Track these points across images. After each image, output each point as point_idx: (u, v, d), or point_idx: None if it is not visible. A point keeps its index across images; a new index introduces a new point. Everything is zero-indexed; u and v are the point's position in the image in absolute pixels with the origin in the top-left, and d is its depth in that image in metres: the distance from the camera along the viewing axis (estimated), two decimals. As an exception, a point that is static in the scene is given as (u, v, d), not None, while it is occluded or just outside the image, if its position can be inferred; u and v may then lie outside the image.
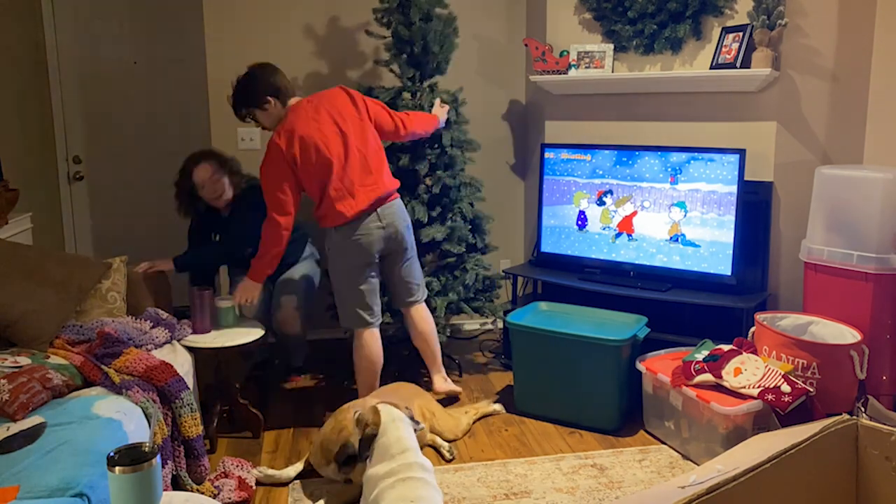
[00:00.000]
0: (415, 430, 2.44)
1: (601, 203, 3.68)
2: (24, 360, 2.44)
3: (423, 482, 2.22)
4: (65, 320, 2.77)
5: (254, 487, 2.62)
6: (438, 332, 3.39)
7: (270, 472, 2.69)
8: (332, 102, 3.00)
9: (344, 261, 3.00)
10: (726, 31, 3.38)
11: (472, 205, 3.62)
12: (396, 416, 2.41)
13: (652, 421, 3.09)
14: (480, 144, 3.67)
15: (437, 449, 2.93)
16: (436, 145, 3.51)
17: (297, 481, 2.70)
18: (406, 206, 3.36)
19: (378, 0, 3.53)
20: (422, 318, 3.24)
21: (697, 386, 2.79)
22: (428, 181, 3.55)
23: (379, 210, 2.97)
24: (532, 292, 4.09)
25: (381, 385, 3.16)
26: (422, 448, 2.87)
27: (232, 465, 2.67)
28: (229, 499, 2.51)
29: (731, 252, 3.33)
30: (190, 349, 2.90)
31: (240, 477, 2.60)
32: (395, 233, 3.02)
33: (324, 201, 2.93)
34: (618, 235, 3.65)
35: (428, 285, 3.44)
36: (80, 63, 4.42)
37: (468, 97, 3.70)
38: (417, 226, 3.44)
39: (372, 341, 3.07)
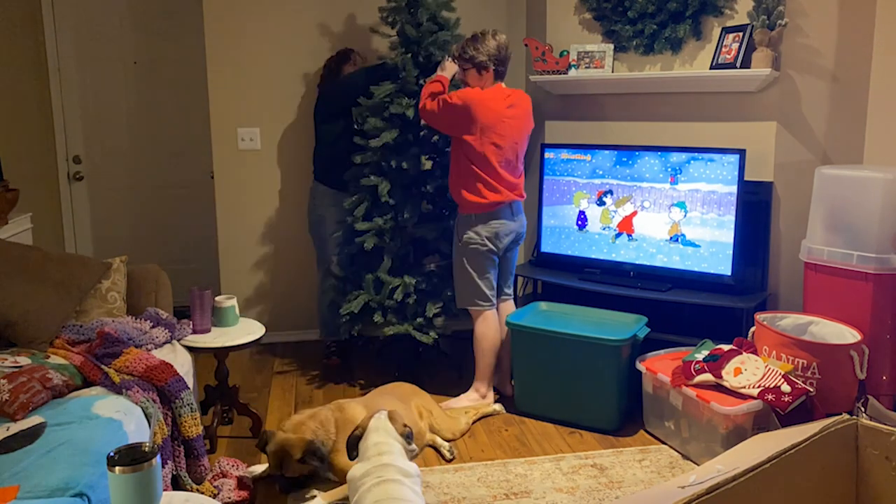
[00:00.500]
0: (407, 450, 2.41)
1: (601, 203, 3.68)
2: (24, 360, 2.44)
3: (398, 484, 2.22)
4: (65, 320, 2.77)
5: (251, 487, 2.62)
6: (425, 333, 3.42)
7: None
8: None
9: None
10: (726, 31, 3.38)
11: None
12: (382, 425, 2.41)
13: (652, 421, 3.09)
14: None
15: (437, 449, 2.93)
16: (433, 145, 3.51)
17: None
18: (404, 205, 3.36)
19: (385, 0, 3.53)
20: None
21: (697, 386, 2.79)
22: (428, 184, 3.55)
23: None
24: (532, 292, 4.09)
25: (379, 385, 3.16)
26: (422, 449, 2.88)
27: (228, 465, 2.68)
28: (229, 498, 2.51)
29: (730, 252, 3.33)
30: (190, 349, 2.90)
31: (238, 477, 2.61)
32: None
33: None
34: (618, 235, 3.65)
35: (419, 286, 3.44)
36: (80, 63, 4.42)
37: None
38: (412, 225, 3.45)
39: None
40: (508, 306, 3.48)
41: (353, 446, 2.40)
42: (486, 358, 3.32)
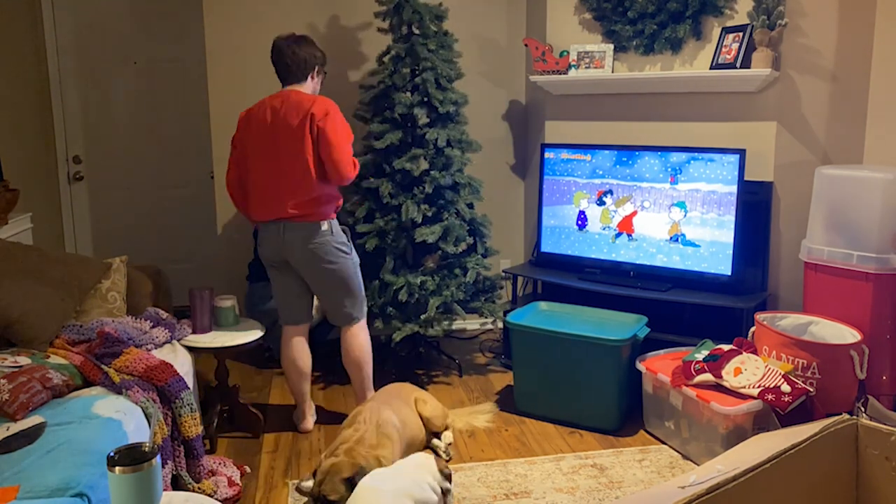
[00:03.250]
0: (442, 488, 2.37)
1: (601, 203, 3.68)
2: (24, 360, 2.44)
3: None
4: (65, 320, 2.77)
5: (240, 484, 2.65)
6: (431, 329, 3.40)
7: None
8: None
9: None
10: (726, 31, 3.38)
11: (471, 206, 3.62)
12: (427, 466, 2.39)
13: (652, 421, 3.09)
14: (480, 145, 3.67)
15: (434, 450, 2.93)
16: (431, 146, 3.51)
17: (297, 481, 2.70)
18: (401, 205, 3.36)
19: (377, 3, 3.53)
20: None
21: (697, 386, 2.79)
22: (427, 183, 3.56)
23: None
24: (532, 292, 4.09)
25: (381, 386, 3.16)
26: (420, 449, 2.87)
27: (216, 463, 2.69)
28: (226, 495, 2.53)
29: (730, 252, 3.33)
30: (190, 349, 2.90)
31: (229, 476, 2.64)
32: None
33: None
34: (618, 235, 3.65)
35: (422, 285, 3.44)
36: (80, 63, 4.42)
37: (468, 97, 3.69)
38: (412, 226, 3.45)
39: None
40: (351, 335, 3.08)
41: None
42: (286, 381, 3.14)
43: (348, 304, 3.02)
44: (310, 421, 3.16)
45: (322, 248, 2.88)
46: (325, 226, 2.89)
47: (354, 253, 3.02)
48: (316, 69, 2.97)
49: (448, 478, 2.39)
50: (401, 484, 2.25)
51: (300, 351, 3.06)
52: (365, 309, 3.12)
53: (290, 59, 2.89)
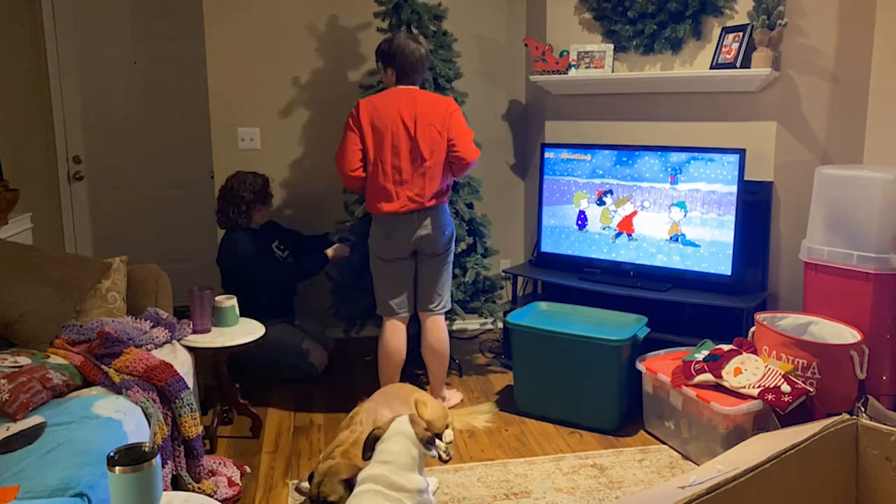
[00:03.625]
0: (427, 456, 2.37)
1: (601, 203, 3.68)
2: (24, 360, 2.44)
3: (379, 497, 2.20)
4: (65, 320, 2.77)
5: (240, 484, 2.65)
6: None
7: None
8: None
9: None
10: (726, 31, 3.38)
11: (471, 205, 3.61)
12: (403, 429, 2.38)
13: (652, 421, 3.09)
14: (480, 144, 3.66)
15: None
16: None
17: (297, 481, 2.70)
18: None
19: (376, 3, 3.53)
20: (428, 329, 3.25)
21: (697, 386, 2.79)
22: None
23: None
24: (532, 292, 4.09)
25: (378, 387, 3.16)
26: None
27: (216, 463, 2.69)
28: (226, 495, 2.53)
29: (730, 252, 3.33)
30: (190, 349, 2.90)
31: (229, 476, 2.64)
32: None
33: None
34: (618, 235, 3.65)
35: None
36: (80, 63, 4.42)
37: (468, 97, 3.70)
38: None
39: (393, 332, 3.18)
40: (433, 322, 3.23)
41: (370, 447, 2.36)
42: (381, 372, 3.22)
43: (445, 288, 3.22)
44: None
45: (445, 234, 3.14)
46: (446, 213, 3.15)
47: None
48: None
49: (429, 443, 2.37)
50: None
51: (403, 342, 3.19)
52: None
53: (416, 59, 3.05)
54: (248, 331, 3.01)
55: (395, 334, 3.16)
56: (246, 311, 3.19)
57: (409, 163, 3.00)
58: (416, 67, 3.07)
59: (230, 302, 3.05)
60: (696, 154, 3.39)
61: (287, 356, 3.60)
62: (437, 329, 3.21)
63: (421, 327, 3.25)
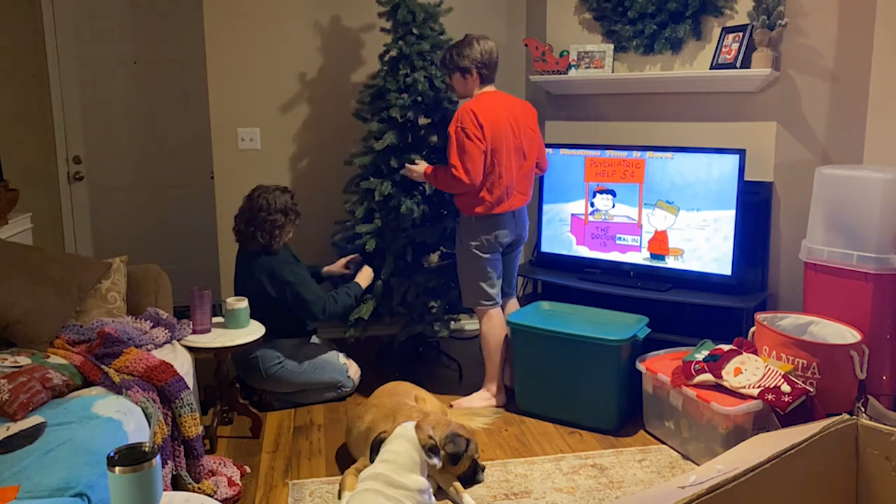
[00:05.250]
0: (428, 463, 2.39)
1: (601, 203, 3.68)
2: (24, 360, 2.44)
3: (378, 496, 2.21)
4: (65, 320, 2.77)
5: (240, 484, 2.65)
6: (438, 329, 3.42)
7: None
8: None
9: None
10: (726, 31, 3.38)
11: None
12: (406, 434, 2.40)
13: (652, 421, 3.09)
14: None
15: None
16: (428, 149, 3.51)
17: (297, 481, 2.70)
18: (401, 206, 3.36)
19: (378, 4, 3.52)
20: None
21: (697, 386, 2.79)
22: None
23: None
24: (532, 292, 4.09)
25: (381, 385, 3.16)
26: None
27: (216, 463, 2.69)
28: (226, 495, 2.53)
29: (730, 252, 3.33)
30: (190, 349, 2.90)
31: (229, 476, 2.64)
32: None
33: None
34: (618, 235, 3.64)
35: (425, 284, 3.44)
36: (80, 63, 4.42)
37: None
38: (413, 226, 3.45)
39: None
40: (513, 304, 3.53)
41: (376, 449, 2.40)
42: (492, 356, 3.34)
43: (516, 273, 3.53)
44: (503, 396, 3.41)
45: (528, 226, 3.42)
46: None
47: None
48: None
49: (431, 451, 2.40)
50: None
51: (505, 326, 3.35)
52: None
53: (497, 57, 3.22)
54: (249, 331, 3.01)
55: (500, 319, 3.33)
56: (272, 332, 3.13)
57: (518, 163, 3.21)
58: (497, 66, 3.24)
59: (242, 304, 3.03)
60: (696, 154, 3.39)
61: (331, 373, 3.37)
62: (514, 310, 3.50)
63: (503, 310, 3.41)
